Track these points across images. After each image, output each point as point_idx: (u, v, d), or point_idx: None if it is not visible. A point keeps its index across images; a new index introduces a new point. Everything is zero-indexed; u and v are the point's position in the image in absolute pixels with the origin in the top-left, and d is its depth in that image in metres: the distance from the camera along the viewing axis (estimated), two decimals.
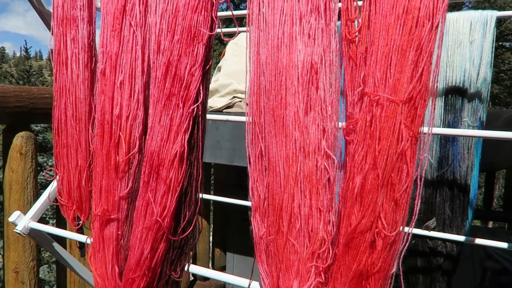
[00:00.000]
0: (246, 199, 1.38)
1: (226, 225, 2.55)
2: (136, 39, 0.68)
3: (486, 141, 0.97)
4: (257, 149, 0.58)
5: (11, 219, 0.89)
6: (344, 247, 0.51)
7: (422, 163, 0.50)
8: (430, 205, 0.97)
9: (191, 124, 0.63)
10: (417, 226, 0.96)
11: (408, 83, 0.47)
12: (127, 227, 0.70)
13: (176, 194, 0.63)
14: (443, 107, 0.93)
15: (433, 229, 0.96)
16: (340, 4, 0.54)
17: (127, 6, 0.68)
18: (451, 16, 0.93)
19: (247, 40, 0.60)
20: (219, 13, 0.66)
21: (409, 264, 1.02)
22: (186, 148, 0.63)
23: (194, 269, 0.71)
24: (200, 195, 0.67)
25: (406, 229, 0.51)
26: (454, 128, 0.92)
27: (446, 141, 0.94)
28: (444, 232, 0.96)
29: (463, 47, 0.90)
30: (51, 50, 0.80)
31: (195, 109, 0.63)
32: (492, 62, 0.90)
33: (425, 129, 0.50)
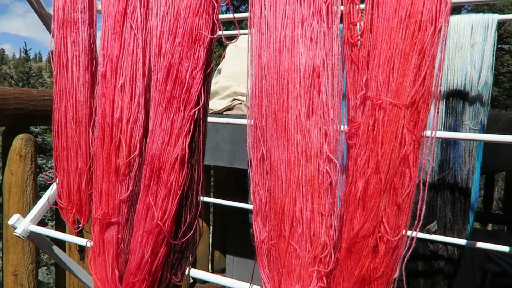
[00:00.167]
0: (246, 201, 1.38)
1: (225, 227, 2.54)
2: (137, 42, 0.68)
3: (486, 144, 0.97)
4: (258, 153, 0.58)
5: (10, 222, 0.89)
6: (346, 252, 0.50)
7: (425, 167, 0.50)
8: (431, 208, 0.97)
9: (192, 127, 0.63)
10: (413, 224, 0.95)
11: (411, 87, 0.47)
12: (127, 230, 0.70)
13: (177, 198, 0.63)
14: (444, 110, 0.93)
15: (434, 233, 0.96)
16: (342, 7, 0.54)
17: (128, 9, 0.68)
18: (452, 19, 0.93)
19: (249, 43, 0.60)
20: (220, 16, 0.65)
21: (410, 268, 1.01)
22: (187, 151, 0.63)
23: (195, 273, 0.70)
24: (201, 198, 0.67)
25: (409, 233, 0.51)
26: (455, 131, 0.92)
27: (447, 144, 0.94)
28: (445, 235, 0.95)
29: (464, 50, 0.90)
30: (51, 51, 0.80)
31: (196, 112, 0.63)
32: (493, 65, 0.90)
33: (427, 133, 0.50)
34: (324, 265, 0.53)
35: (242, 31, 1.06)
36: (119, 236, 0.70)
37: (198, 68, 0.62)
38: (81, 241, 0.82)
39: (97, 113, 0.71)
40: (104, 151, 0.70)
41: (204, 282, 2.43)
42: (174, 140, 0.62)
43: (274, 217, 0.55)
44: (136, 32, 0.68)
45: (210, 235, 2.70)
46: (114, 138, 0.69)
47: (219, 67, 2.09)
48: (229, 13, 0.64)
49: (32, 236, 0.90)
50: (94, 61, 0.78)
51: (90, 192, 0.79)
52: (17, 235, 0.89)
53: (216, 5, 0.62)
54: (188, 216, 0.65)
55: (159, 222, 0.62)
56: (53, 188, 0.91)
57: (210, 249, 2.63)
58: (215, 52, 0.67)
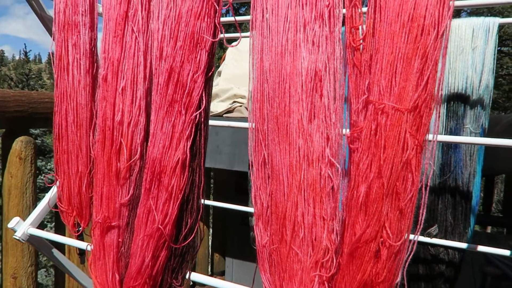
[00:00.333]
0: (246, 203, 1.38)
1: (225, 229, 2.54)
2: (138, 45, 0.68)
3: (486, 146, 0.97)
4: (260, 157, 0.58)
5: (10, 225, 0.89)
6: (348, 257, 0.50)
7: (427, 172, 0.50)
8: (432, 212, 0.96)
9: (193, 130, 0.63)
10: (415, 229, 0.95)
11: (413, 92, 0.47)
12: (128, 234, 0.70)
13: (178, 202, 0.63)
14: (445, 113, 0.93)
15: (435, 236, 0.96)
16: (344, 11, 0.54)
17: (129, 12, 0.68)
18: (453, 22, 0.93)
19: (250, 46, 0.60)
20: (221, 19, 0.65)
21: (411, 271, 1.01)
22: (188, 155, 0.62)
23: (196, 277, 0.70)
24: (202, 201, 0.67)
25: (411, 236, 0.50)
26: (456, 134, 0.92)
27: (448, 147, 0.94)
28: (446, 239, 0.95)
29: (465, 53, 0.90)
30: (52, 53, 0.80)
31: (198, 115, 0.63)
32: (494, 68, 0.90)
33: (429, 137, 0.50)
34: (326, 269, 0.53)
35: (243, 34, 1.06)
36: (120, 239, 0.70)
37: (199, 72, 0.62)
38: (82, 245, 0.82)
39: (98, 116, 0.71)
40: (104, 154, 0.69)
41: (204, 284, 2.43)
42: (175, 144, 0.62)
43: (276, 222, 0.55)
44: (137, 35, 0.68)
45: (210, 238, 2.70)
46: (115, 142, 0.69)
47: (219, 69, 2.09)
48: (229, 15, 0.64)
49: (32, 240, 0.90)
50: (95, 64, 0.77)
51: (90, 195, 0.79)
52: (17, 238, 0.89)
53: (217, 8, 0.62)
54: (189, 220, 0.65)
55: (160, 226, 0.62)
56: (53, 191, 0.90)
57: (210, 251, 2.63)
58: (215, 54, 0.67)
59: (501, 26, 0.90)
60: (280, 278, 0.55)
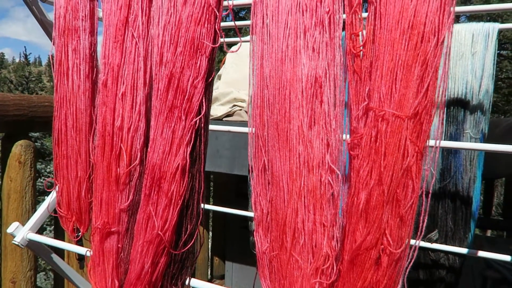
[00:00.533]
0: (246, 207, 1.37)
1: (225, 233, 2.53)
2: (138, 50, 0.68)
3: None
4: (260, 163, 0.58)
5: (9, 230, 0.88)
6: (348, 264, 0.50)
7: (427, 178, 0.50)
8: (432, 217, 0.96)
9: (193, 136, 0.63)
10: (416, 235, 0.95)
11: (413, 99, 0.47)
12: (127, 240, 0.70)
13: (178, 208, 0.63)
14: (445, 119, 0.93)
15: (435, 241, 0.95)
16: (344, 16, 0.54)
17: (129, 18, 0.68)
18: (453, 28, 0.93)
19: (250, 52, 0.60)
20: (221, 23, 0.65)
21: (411, 277, 1.01)
22: (188, 160, 0.62)
23: (195, 283, 0.70)
24: (202, 206, 0.66)
25: (412, 241, 0.50)
26: (456, 140, 0.92)
27: (448, 153, 0.94)
28: (446, 244, 0.95)
29: (465, 59, 0.90)
30: (51, 56, 0.80)
31: (198, 121, 0.63)
32: (494, 73, 0.90)
33: (431, 143, 0.49)
34: (326, 276, 0.53)
35: (243, 39, 1.06)
36: (119, 245, 0.70)
37: (199, 78, 0.62)
38: (81, 250, 0.81)
39: (97, 122, 0.71)
40: (104, 159, 0.69)
41: None
42: (175, 150, 0.62)
43: (276, 228, 0.55)
44: (137, 40, 0.68)
45: (210, 241, 2.69)
46: (114, 147, 0.68)
47: (219, 73, 2.09)
48: (229, 18, 0.64)
49: (31, 245, 0.90)
50: (95, 69, 0.77)
51: (90, 200, 0.79)
52: (16, 243, 0.88)
53: (218, 14, 0.62)
54: (188, 226, 0.64)
55: (159, 232, 0.62)
56: (52, 196, 0.90)
57: (210, 255, 2.62)
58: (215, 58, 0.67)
59: (500, 30, 0.90)
60: (280, 285, 0.55)
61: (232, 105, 1.87)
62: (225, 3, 0.63)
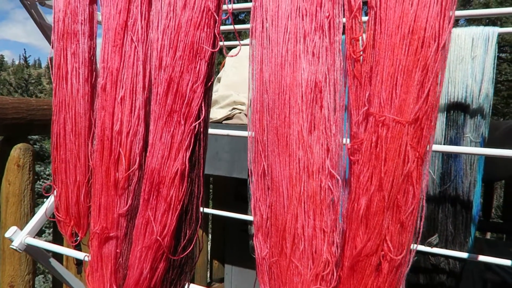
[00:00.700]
0: (245, 210, 1.37)
1: (224, 236, 2.52)
2: (137, 54, 0.67)
3: None
4: (259, 168, 0.58)
5: (7, 234, 0.88)
6: (349, 270, 0.50)
7: (427, 182, 0.49)
8: (432, 221, 0.96)
9: (192, 141, 0.62)
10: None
11: (414, 104, 0.47)
12: (126, 245, 0.69)
13: (177, 213, 0.62)
14: (445, 122, 0.93)
15: (436, 246, 0.95)
16: (344, 20, 0.53)
17: (128, 21, 0.68)
18: (453, 32, 0.93)
19: (250, 57, 0.60)
20: (221, 27, 0.65)
21: (411, 281, 1.01)
22: (187, 165, 0.62)
23: None
24: (201, 210, 0.66)
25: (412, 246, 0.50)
26: (456, 144, 0.92)
27: (448, 157, 0.94)
28: (446, 248, 0.94)
29: (465, 63, 0.90)
30: (50, 59, 0.79)
31: (197, 126, 0.62)
32: (494, 77, 0.90)
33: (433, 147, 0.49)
34: (326, 283, 0.52)
35: (243, 42, 1.06)
36: (118, 250, 0.69)
37: (199, 82, 0.61)
38: (79, 255, 0.81)
39: (96, 126, 0.70)
40: (103, 164, 0.69)
41: None
42: (174, 154, 0.62)
43: (276, 234, 0.54)
44: (136, 44, 0.67)
45: (209, 244, 2.68)
46: (113, 151, 0.68)
47: (218, 75, 2.09)
48: (229, 21, 0.63)
49: (29, 249, 0.89)
50: (94, 73, 0.77)
51: (88, 205, 0.78)
52: (14, 248, 0.88)
53: (217, 18, 0.61)
54: (187, 231, 0.64)
55: (158, 237, 0.61)
56: (50, 201, 0.90)
57: (209, 258, 2.61)
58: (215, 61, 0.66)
59: (499, 33, 0.90)
60: None
61: (231, 108, 1.87)
62: (224, 7, 0.63)
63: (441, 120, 0.93)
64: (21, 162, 1.38)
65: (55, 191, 0.81)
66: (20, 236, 0.88)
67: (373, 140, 0.48)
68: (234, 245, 2.43)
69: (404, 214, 0.47)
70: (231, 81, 1.98)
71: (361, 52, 0.51)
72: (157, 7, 0.64)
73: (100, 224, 0.69)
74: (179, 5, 0.61)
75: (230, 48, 1.81)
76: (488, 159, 0.97)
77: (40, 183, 5.36)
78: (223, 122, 1.86)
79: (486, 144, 0.94)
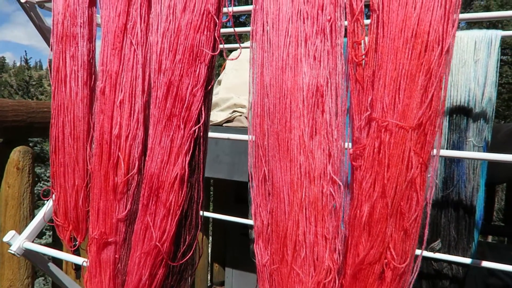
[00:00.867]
0: (246, 213, 1.36)
1: (225, 239, 2.51)
2: (136, 57, 0.67)
3: None
4: (260, 173, 0.57)
5: (5, 239, 0.87)
6: (351, 279, 0.49)
7: (430, 188, 0.48)
8: (435, 226, 0.95)
9: (192, 145, 0.62)
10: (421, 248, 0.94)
11: (417, 109, 0.46)
12: (125, 250, 0.68)
13: (176, 218, 0.61)
14: (448, 126, 0.92)
15: (438, 251, 0.94)
16: (346, 23, 0.53)
17: (128, 24, 0.67)
18: (456, 35, 0.92)
19: (250, 60, 0.59)
20: (221, 30, 0.64)
21: (413, 287, 0.99)
22: (187, 170, 0.61)
23: None
24: (201, 214, 0.65)
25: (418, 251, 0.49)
26: (459, 148, 0.91)
27: (451, 161, 0.93)
28: (449, 254, 0.93)
29: (468, 66, 0.89)
30: (50, 61, 0.79)
31: (197, 130, 0.62)
32: (497, 81, 0.89)
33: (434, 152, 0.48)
34: None
35: (243, 45, 1.05)
36: (116, 256, 0.68)
37: (198, 86, 0.61)
38: (77, 260, 0.80)
39: (95, 130, 0.70)
40: (102, 168, 0.68)
41: None
42: (174, 159, 0.61)
43: (277, 241, 0.53)
44: (136, 48, 0.67)
45: (209, 247, 2.67)
46: (112, 156, 0.67)
47: (219, 78, 2.08)
48: (229, 24, 0.63)
49: (27, 254, 0.88)
50: (93, 76, 0.76)
51: (87, 209, 0.77)
52: (12, 252, 0.87)
53: (217, 21, 0.61)
54: (187, 237, 0.63)
55: (157, 243, 0.61)
56: (49, 205, 0.89)
57: (209, 261, 2.60)
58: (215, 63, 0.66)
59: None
60: None
61: (232, 110, 1.86)
62: (225, 9, 0.62)
63: (443, 124, 0.92)
64: (20, 165, 1.37)
65: (53, 195, 0.80)
66: (19, 241, 0.88)
67: (375, 146, 0.47)
68: (235, 248, 2.41)
69: (407, 221, 0.46)
70: (231, 83, 1.97)
71: (363, 56, 0.50)
72: (156, 10, 0.63)
73: (99, 229, 0.68)
74: (179, 8, 0.60)
75: (230, 50, 1.81)
76: (490, 161, 0.96)
77: (41, 185, 5.35)
78: (224, 125, 1.85)
79: (488, 147, 0.93)
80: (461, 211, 0.92)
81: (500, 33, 0.88)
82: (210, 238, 2.73)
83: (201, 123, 0.62)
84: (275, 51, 0.54)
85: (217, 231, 2.60)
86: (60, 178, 0.78)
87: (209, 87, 0.62)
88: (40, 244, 0.93)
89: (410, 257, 0.48)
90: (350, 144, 0.53)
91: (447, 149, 0.92)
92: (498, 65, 0.89)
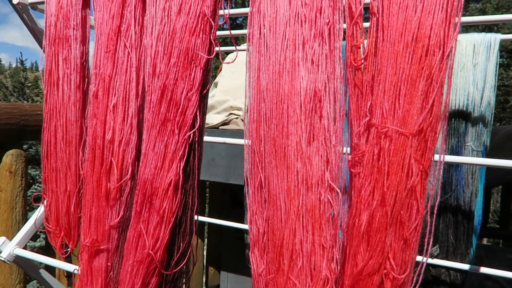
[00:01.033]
0: (241, 216, 1.34)
1: (220, 242, 2.49)
2: (130, 61, 0.65)
3: None
4: (256, 180, 0.55)
5: None
6: None
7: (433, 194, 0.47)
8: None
9: (187, 151, 0.60)
10: (418, 253, 0.92)
11: (418, 115, 0.45)
12: (117, 258, 0.66)
13: (170, 225, 0.60)
14: (446, 131, 0.91)
15: (436, 257, 0.93)
16: (345, 26, 0.51)
17: (122, 27, 0.65)
18: None
19: (246, 64, 0.58)
20: (217, 32, 0.63)
21: None
22: (181, 176, 0.60)
23: None
24: (196, 219, 0.63)
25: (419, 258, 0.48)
26: (458, 152, 0.90)
27: (449, 166, 0.92)
28: (447, 259, 0.92)
29: (467, 70, 0.88)
30: (42, 70, 0.77)
31: (192, 135, 0.60)
32: (496, 85, 0.88)
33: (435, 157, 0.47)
34: None
35: (239, 48, 1.04)
36: (109, 264, 0.67)
37: (193, 90, 0.59)
38: (69, 267, 0.78)
39: (88, 134, 0.68)
40: (94, 174, 0.66)
41: None
42: (168, 165, 0.59)
43: (273, 249, 0.52)
44: (130, 51, 0.65)
45: (205, 251, 2.65)
46: (105, 161, 0.66)
47: (215, 80, 2.07)
48: (226, 26, 0.61)
49: (18, 260, 0.86)
50: (86, 80, 0.75)
51: (79, 215, 0.76)
52: (2, 259, 0.85)
53: (213, 24, 0.59)
54: (181, 245, 0.61)
55: (150, 251, 0.59)
56: (40, 211, 0.87)
57: (205, 264, 2.58)
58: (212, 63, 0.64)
59: None
60: None
61: (228, 113, 1.85)
62: (221, 12, 0.61)
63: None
64: (13, 168, 1.35)
65: (45, 200, 0.78)
66: (9, 247, 0.86)
67: (375, 153, 0.46)
68: (231, 252, 2.40)
69: (407, 230, 0.45)
70: (228, 86, 1.96)
71: (363, 60, 0.49)
72: (151, 12, 0.62)
73: (91, 236, 0.66)
74: (174, 10, 0.59)
75: (227, 53, 1.80)
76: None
77: (35, 187, 5.31)
78: (220, 127, 1.83)
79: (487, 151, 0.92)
80: (460, 217, 0.91)
81: (499, 36, 0.87)
82: (206, 241, 2.71)
83: (196, 128, 0.60)
84: (272, 55, 0.53)
85: (213, 234, 2.58)
86: (52, 183, 0.76)
87: (204, 91, 0.61)
88: (34, 247, 0.91)
89: (410, 267, 0.46)
90: (348, 149, 0.52)
91: (445, 153, 0.91)
92: (497, 68, 0.88)
